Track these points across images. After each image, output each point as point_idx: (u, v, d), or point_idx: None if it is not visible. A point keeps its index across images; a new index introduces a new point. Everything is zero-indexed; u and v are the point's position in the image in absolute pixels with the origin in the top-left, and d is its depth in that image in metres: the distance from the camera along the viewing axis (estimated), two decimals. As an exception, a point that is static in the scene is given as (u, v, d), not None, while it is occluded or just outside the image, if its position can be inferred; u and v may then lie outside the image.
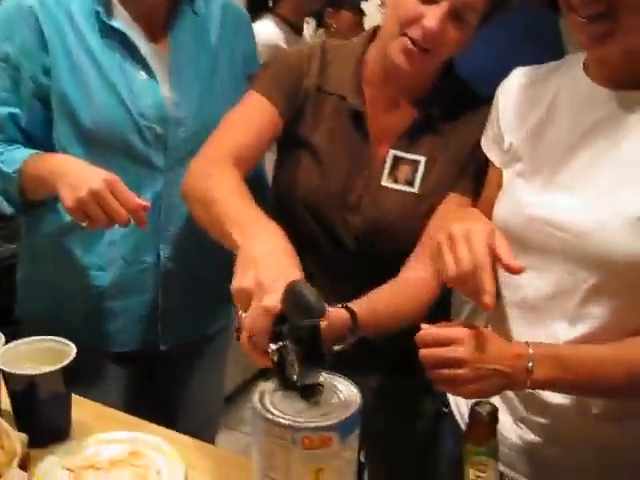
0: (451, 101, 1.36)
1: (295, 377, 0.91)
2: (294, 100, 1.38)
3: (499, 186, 1.21)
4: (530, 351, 1.02)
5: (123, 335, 1.54)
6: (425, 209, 1.35)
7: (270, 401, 0.91)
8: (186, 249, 1.53)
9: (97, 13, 1.40)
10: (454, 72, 1.39)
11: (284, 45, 2.97)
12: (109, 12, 1.41)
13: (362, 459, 1.79)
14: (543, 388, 1.08)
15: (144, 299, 1.54)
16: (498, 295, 1.18)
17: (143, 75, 1.43)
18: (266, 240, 1.02)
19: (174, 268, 1.53)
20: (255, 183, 1.32)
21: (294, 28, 3.14)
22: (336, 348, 1.07)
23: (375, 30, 1.40)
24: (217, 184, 1.20)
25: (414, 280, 1.28)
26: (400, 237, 1.33)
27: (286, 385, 0.93)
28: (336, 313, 1.10)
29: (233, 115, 1.38)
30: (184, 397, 1.67)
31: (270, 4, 3.20)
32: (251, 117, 1.35)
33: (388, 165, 1.36)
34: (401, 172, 1.36)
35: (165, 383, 1.65)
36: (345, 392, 0.93)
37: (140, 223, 1.35)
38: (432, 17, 1.22)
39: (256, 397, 0.91)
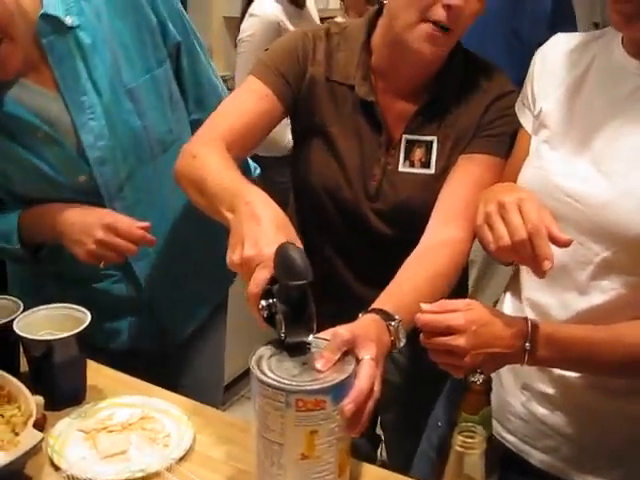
0: (459, 77, 1.35)
1: (283, 335, 0.94)
2: (297, 85, 1.36)
3: (528, 150, 1.21)
4: (528, 331, 1.03)
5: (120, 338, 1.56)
6: None
7: (267, 365, 0.94)
8: (159, 246, 1.51)
9: None
10: (460, 45, 1.36)
11: (285, 20, 2.96)
12: None
13: (377, 431, 1.84)
14: (541, 366, 1.11)
15: (129, 304, 1.54)
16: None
17: (40, 134, 1.34)
18: (251, 215, 1.04)
19: (152, 270, 1.53)
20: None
21: (294, 1, 3.12)
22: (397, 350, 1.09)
23: (377, 12, 1.36)
24: (204, 163, 1.21)
25: (441, 243, 1.25)
26: (423, 220, 1.30)
27: (276, 342, 0.97)
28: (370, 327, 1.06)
29: (230, 99, 1.37)
30: (184, 374, 1.67)
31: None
32: (248, 102, 1.34)
33: (402, 150, 1.36)
34: (416, 155, 1.35)
35: (165, 363, 1.63)
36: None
37: (150, 244, 1.41)
38: None
39: (253, 361, 0.95)
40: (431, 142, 1.35)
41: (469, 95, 1.35)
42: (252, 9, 3.01)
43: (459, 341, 1.01)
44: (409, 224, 1.32)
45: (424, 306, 1.03)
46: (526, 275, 1.19)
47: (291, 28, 2.93)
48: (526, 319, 1.05)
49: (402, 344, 1.08)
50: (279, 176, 2.38)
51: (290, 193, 1.55)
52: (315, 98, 1.38)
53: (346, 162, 1.37)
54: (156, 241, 1.42)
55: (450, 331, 1.01)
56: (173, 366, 1.65)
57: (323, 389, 0.90)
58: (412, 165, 1.36)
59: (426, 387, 1.46)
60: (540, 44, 1.25)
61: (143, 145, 1.44)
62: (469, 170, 1.32)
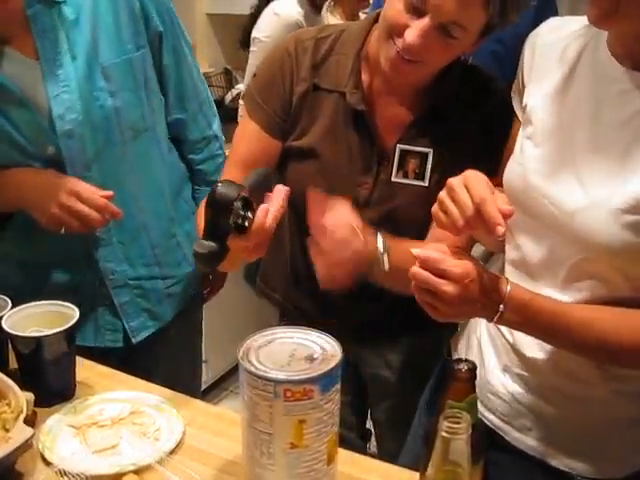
0: (457, 90, 1.32)
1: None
2: (285, 111, 1.35)
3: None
4: (506, 294, 1.04)
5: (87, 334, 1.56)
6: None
7: (255, 356, 0.95)
8: (121, 234, 1.53)
9: None
10: (459, 60, 1.31)
11: (304, 22, 2.89)
12: None
13: (367, 426, 1.85)
14: (508, 326, 1.13)
15: (95, 303, 1.55)
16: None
17: (15, 97, 1.37)
18: None
19: (114, 259, 1.54)
20: None
21: (314, 6, 3.09)
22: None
23: (375, 19, 1.31)
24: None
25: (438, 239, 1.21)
26: (409, 230, 1.29)
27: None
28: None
29: (234, 141, 1.40)
30: (154, 366, 1.65)
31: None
32: (245, 147, 1.38)
33: (396, 160, 1.32)
34: (410, 166, 1.32)
35: (134, 357, 1.62)
36: (327, 347, 0.97)
37: (115, 215, 1.41)
38: (414, 31, 1.16)
39: (241, 352, 0.96)
40: (427, 154, 1.31)
41: (467, 109, 1.32)
42: (275, 7, 2.91)
43: (449, 288, 1.00)
44: (394, 232, 1.29)
45: (415, 251, 1.03)
46: (509, 267, 1.21)
47: None
48: (507, 281, 1.06)
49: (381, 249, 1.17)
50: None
51: None
52: (299, 112, 1.35)
53: (334, 173, 1.34)
54: (121, 215, 1.43)
55: (444, 275, 1.01)
56: (141, 359, 1.61)
57: (311, 379, 0.91)
58: (406, 176, 1.33)
59: (416, 381, 1.47)
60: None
61: (113, 126, 1.45)
62: None
